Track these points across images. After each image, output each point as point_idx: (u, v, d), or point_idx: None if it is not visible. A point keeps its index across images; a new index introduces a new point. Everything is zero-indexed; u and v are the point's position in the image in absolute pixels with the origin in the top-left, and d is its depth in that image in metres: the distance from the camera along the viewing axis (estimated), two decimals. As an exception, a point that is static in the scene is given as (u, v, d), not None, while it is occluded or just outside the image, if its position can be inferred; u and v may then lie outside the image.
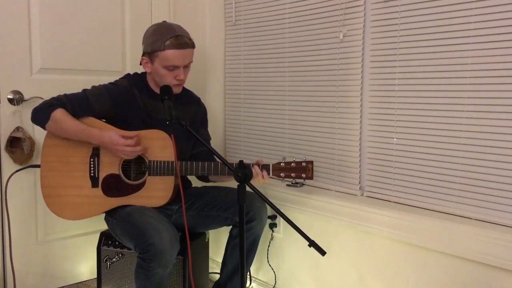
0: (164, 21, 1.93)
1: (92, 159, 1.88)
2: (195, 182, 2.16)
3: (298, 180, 1.87)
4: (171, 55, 1.81)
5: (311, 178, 1.84)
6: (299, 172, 1.83)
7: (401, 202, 1.81)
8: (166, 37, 1.80)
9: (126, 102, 1.91)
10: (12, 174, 2.03)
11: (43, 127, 1.85)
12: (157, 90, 1.94)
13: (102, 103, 1.88)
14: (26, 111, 2.11)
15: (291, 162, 1.84)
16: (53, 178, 1.89)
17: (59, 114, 1.81)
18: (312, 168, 1.84)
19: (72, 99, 1.86)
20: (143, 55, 1.90)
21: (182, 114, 1.96)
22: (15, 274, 2.10)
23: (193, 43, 1.88)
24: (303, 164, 1.83)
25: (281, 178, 1.84)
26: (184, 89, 2.03)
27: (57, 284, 2.38)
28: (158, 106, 1.93)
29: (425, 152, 1.73)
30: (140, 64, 1.93)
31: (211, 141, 2.16)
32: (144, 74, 1.99)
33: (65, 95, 1.88)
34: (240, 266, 1.50)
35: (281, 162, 1.84)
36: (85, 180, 1.88)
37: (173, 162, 1.81)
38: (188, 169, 1.83)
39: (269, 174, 1.83)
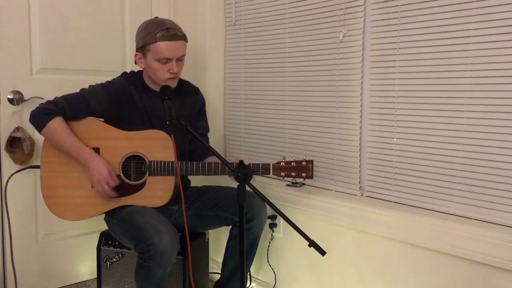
0: (156, 17, 1.94)
1: None
2: (195, 182, 2.16)
3: (298, 180, 1.88)
4: (163, 47, 1.82)
5: (311, 177, 1.85)
6: (299, 171, 1.84)
7: (401, 202, 1.81)
8: (156, 30, 1.81)
9: (123, 100, 1.91)
10: (11, 175, 2.03)
11: (39, 132, 1.86)
12: (154, 87, 1.95)
13: (100, 102, 1.88)
14: (26, 111, 2.11)
15: (291, 162, 1.84)
16: (53, 178, 1.89)
17: (56, 124, 1.81)
18: (312, 167, 1.85)
19: (71, 102, 1.86)
20: (136, 51, 1.90)
21: (181, 106, 1.98)
22: (15, 274, 2.10)
23: (184, 35, 1.88)
24: (303, 163, 1.84)
25: (282, 178, 1.85)
26: (181, 80, 2.03)
27: (57, 284, 2.38)
28: (156, 103, 1.93)
29: (425, 152, 1.73)
30: (135, 62, 1.93)
31: (209, 133, 2.16)
32: (140, 72, 2.00)
33: (63, 97, 1.87)
34: (240, 266, 1.50)
35: (281, 162, 1.84)
36: (85, 181, 1.88)
37: (173, 163, 1.81)
38: (189, 169, 1.82)
39: (269, 173, 1.84)
